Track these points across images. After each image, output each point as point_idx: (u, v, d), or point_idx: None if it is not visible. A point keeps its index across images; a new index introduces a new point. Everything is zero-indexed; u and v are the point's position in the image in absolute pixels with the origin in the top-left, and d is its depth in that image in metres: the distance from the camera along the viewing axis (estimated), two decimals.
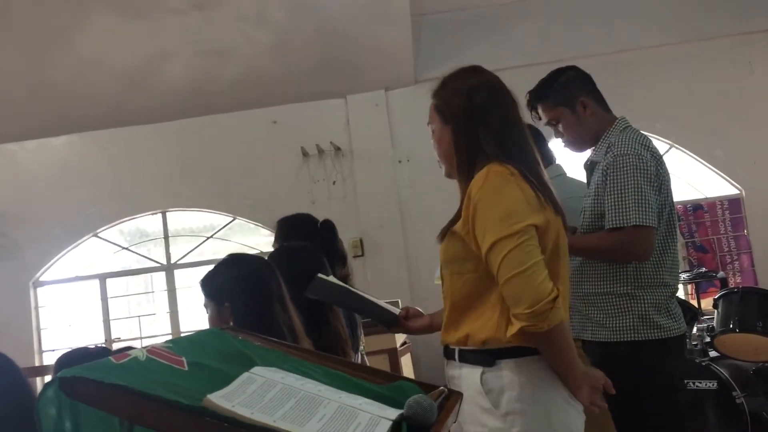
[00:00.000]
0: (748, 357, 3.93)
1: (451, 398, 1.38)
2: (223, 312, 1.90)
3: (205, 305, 1.95)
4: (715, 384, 3.82)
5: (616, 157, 2.15)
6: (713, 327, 4.04)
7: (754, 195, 5.90)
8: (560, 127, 2.34)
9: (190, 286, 6.37)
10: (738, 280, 5.85)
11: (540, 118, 2.37)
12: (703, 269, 5.42)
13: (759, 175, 5.87)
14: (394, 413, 1.17)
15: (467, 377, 1.66)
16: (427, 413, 1.18)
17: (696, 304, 4.99)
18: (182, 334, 6.08)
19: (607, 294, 2.17)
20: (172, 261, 6.40)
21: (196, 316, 6.29)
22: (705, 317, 4.54)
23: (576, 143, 2.36)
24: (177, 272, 6.36)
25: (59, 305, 6.37)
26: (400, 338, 4.63)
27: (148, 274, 6.68)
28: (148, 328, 6.63)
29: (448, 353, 1.74)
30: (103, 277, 6.35)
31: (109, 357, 1.14)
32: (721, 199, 6.00)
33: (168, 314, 6.31)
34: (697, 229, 5.98)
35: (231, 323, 1.89)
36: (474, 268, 1.64)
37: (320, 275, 1.92)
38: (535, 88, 2.35)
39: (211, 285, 1.95)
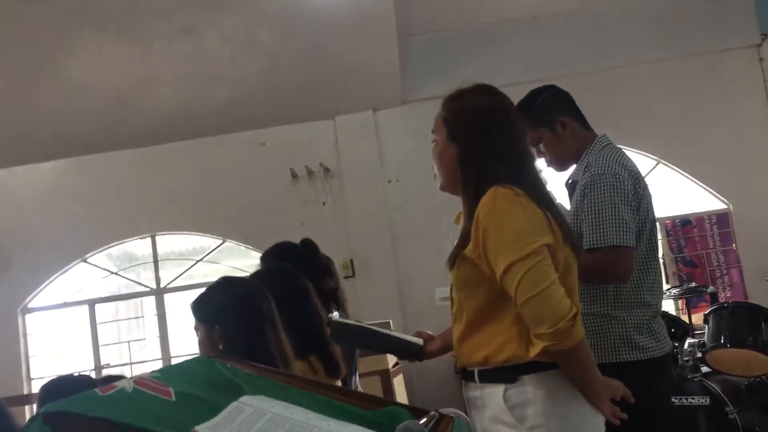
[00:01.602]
0: (739, 372, 3.93)
1: (442, 423, 1.37)
2: (214, 335, 1.88)
3: (196, 328, 1.93)
4: (708, 400, 3.82)
5: (593, 177, 2.14)
6: (704, 342, 4.04)
7: (742, 209, 5.94)
8: (541, 147, 2.33)
9: (180, 310, 6.33)
10: (728, 294, 5.87)
11: None
12: (693, 284, 5.44)
13: (746, 189, 5.92)
14: None
15: (490, 396, 1.66)
16: None
17: (687, 320, 5.00)
18: (173, 359, 6.05)
19: (587, 315, 2.12)
20: (162, 285, 6.36)
21: (186, 341, 6.24)
22: (696, 332, 4.55)
23: (558, 162, 2.35)
24: (167, 296, 6.32)
25: (48, 332, 6.31)
26: (391, 359, 4.61)
27: (138, 299, 6.64)
28: (138, 353, 6.58)
29: (467, 375, 1.73)
30: (92, 303, 6.30)
31: (95, 389, 1.13)
32: (709, 214, 6.04)
33: (158, 339, 6.26)
34: (686, 244, 6.01)
35: (221, 346, 1.87)
36: (488, 291, 1.64)
37: (334, 319, 1.92)
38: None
39: (201, 308, 1.93)
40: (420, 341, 1.96)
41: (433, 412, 1.36)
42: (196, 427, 1.01)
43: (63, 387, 2.60)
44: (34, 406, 5.01)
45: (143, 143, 6.11)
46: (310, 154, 6.10)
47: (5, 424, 2.04)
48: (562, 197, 2.51)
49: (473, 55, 6.07)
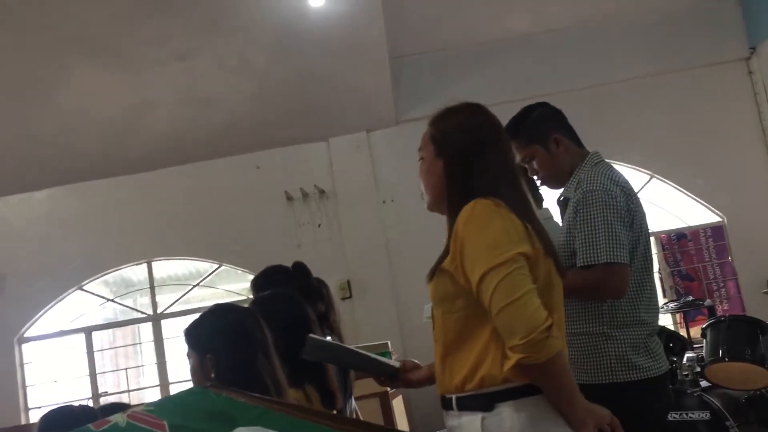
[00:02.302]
0: (739, 385, 3.92)
1: None
2: (206, 363, 1.86)
3: (188, 355, 1.91)
4: (708, 414, 3.79)
5: (585, 194, 2.12)
6: (703, 357, 4.03)
7: (736, 221, 5.96)
8: (534, 164, 2.32)
9: (178, 335, 6.29)
10: (725, 307, 5.87)
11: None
12: (690, 298, 5.45)
13: (740, 201, 5.94)
14: None
15: (467, 425, 1.60)
16: None
17: (685, 334, 5.00)
18: (171, 385, 6.01)
19: (582, 334, 2.11)
20: (159, 311, 6.34)
21: (184, 367, 6.20)
22: (695, 346, 4.54)
23: (551, 180, 2.33)
24: (164, 322, 6.30)
25: (45, 361, 6.28)
26: None
27: (135, 325, 6.62)
28: (136, 380, 6.54)
29: (446, 403, 1.67)
30: (88, 331, 6.27)
31: (89, 425, 1.12)
32: (704, 227, 6.05)
33: (156, 365, 6.22)
34: (682, 258, 6.02)
35: (213, 375, 1.86)
36: (465, 305, 1.60)
37: (312, 336, 1.90)
38: (507, 126, 2.31)
39: (194, 335, 1.91)
40: (397, 364, 1.91)
41: None
42: None
43: (62, 418, 2.58)
44: None
45: (138, 169, 6.12)
46: (304, 176, 6.11)
47: None
48: (555, 214, 2.51)
49: (465, 74, 6.11)
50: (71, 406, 2.92)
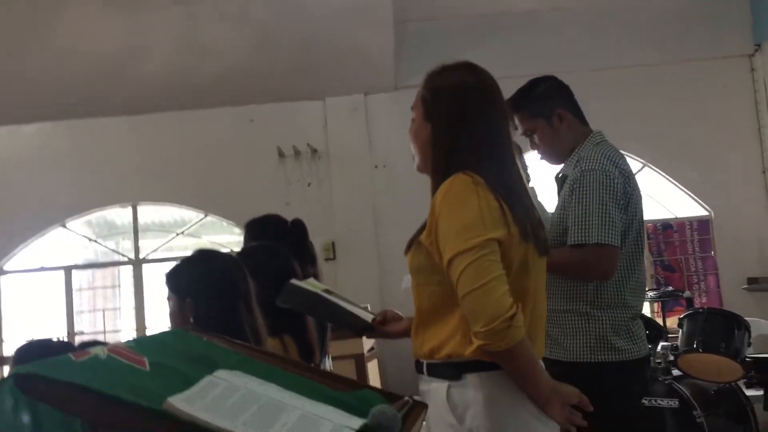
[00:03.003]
0: (710, 377, 3.96)
1: (416, 409, 1.37)
2: (185, 307, 1.85)
3: (168, 298, 1.91)
4: (677, 402, 3.85)
5: (583, 173, 2.10)
6: (677, 346, 4.08)
7: (723, 217, 5.99)
8: (536, 138, 2.30)
9: (158, 281, 6.28)
10: (703, 301, 5.93)
11: (516, 128, 2.32)
12: (670, 288, 5.50)
13: (728, 197, 5.97)
14: (357, 422, 1.15)
15: (435, 392, 1.60)
16: (391, 423, 1.17)
17: (661, 323, 5.05)
18: (147, 330, 6.02)
19: (566, 312, 2.12)
20: (141, 255, 6.31)
21: (162, 313, 6.20)
22: (670, 336, 4.59)
23: (551, 155, 2.31)
24: (145, 267, 6.28)
25: (22, 295, 6.25)
26: (367, 344, 4.61)
27: (115, 268, 6.59)
28: (112, 322, 6.54)
29: (419, 366, 1.67)
30: (68, 269, 6.24)
31: (69, 354, 1.11)
32: (691, 220, 6.09)
33: (134, 309, 6.22)
34: (666, 249, 6.06)
35: (191, 319, 1.85)
36: (439, 281, 1.58)
37: (293, 281, 1.88)
38: (512, 98, 2.26)
39: (175, 279, 1.91)
40: (369, 318, 1.90)
41: (407, 398, 1.36)
42: (169, 399, 1.00)
43: (39, 351, 2.57)
44: (6, 368, 4.98)
45: (130, 111, 6.04)
46: (298, 134, 6.06)
47: None
48: (550, 190, 2.50)
49: (468, 44, 6.04)
50: (50, 339, 2.91)
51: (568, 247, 2.06)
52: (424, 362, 1.65)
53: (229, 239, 6.28)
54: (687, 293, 5.35)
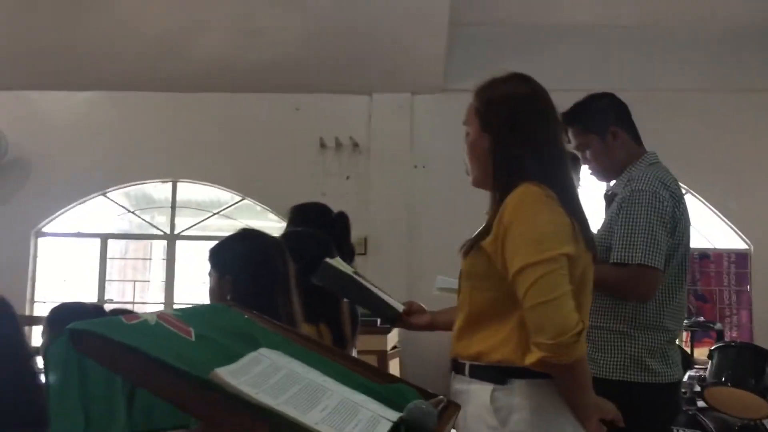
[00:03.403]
0: (735, 412, 3.90)
1: (449, 409, 1.37)
2: (224, 284, 1.87)
3: (209, 274, 1.93)
4: None
5: (633, 192, 2.10)
6: (705, 377, 4.01)
7: (763, 252, 5.87)
8: (588, 154, 2.29)
9: (189, 258, 6.38)
10: (734, 335, 5.83)
11: (569, 141, 2.32)
12: (701, 318, 5.40)
13: None
14: (394, 415, 1.16)
15: (476, 393, 1.61)
16: (427, 419, 1.17)
17: (689, 352, 4.97)
18: (175, 305, 6.09)
19: (602, 329, 2.12)
20: (176, 231, 6.39)
21: (191, 289, 6.28)
22: (696, 366, 4.52)
23: (601, 172, 2.31)
24: (178, 243, 6.35)
25: (57, 258, 6.37)
26: (391, 341, 4.62)
27: (148, 242, 6.69)
28: (141, 294, 6.64)
29: (458, 367, 1.69)
30: (104, 237, 6.35)
31: (120, 317, 1.13)
32: (729, 252, 5.98)
33: (163, 283, 6.30)
34: (701, 278, 5.96)
35: (228, 297, 1.87)
36: (496, 287, 1.59)
37: (328, 260, 1.90)
38: (569, 111, 2.27)
39: (216, 255, 1.93)
40: (400, 308, 1.93)
41: (441, 396, 1.36)
42: (216, 370, 1.01)
43: (73, 313, 2.63)
44: (35, 327, 5.07)
45: (179, 89, 6.11)
46: (341, 127, 6.08)
47: (17, 336, 2.07)
48: (597, 207, 2.49)
49: (519, 53, 6.00)
50: (82, 303, 2.97)
51: (611, 264, 2.05)
52: (467, 363, 1.65)
53: (263, 225, 6.32)
54: (718, 325, 5.24)
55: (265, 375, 1.09)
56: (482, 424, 1.59)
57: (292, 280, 1.92)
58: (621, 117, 2.29)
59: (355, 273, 1.98)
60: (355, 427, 1.04)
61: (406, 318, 1.93)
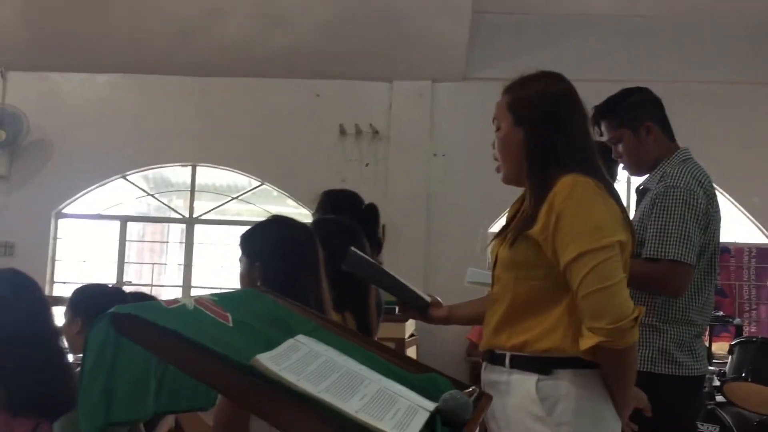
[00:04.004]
0: (754, 408, 3.87)
1: (482, 399, 1.37)
2: (253, 271, 1.87)
3: (240, 260, 1.93)
4: (718, 429, 3.78)
5: (667, 188, 2.12)
6: (725, 372, 3.99)
7: None
8: (620, 148, 2.29)
9: (207, 242, 6.41)
10: (753, 330, 5.79)
11: (602, 135, 2.33)
12: (720, 313, 5.36)
13: None
14: (430, 405, 1.16)
15: (519, 383, 1.62)
16: (462, 410, 1.17)
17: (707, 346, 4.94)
18: (192, 289, 6.13)
19: None
20: (194, 215, 6.42)
21: (208, 273, 6.32)
22: (714, 361, 4.49)
23: (634, 167, 2.32)
24: (197, 227, 6.39)
25: (77, 239, 6.43)
26: (408, 329, 4.62)
27: (166, 225, 6.72)
28: (158, 277, 6.68)
29: (495, 358, 1.69)
30: (124, 219, 6.39)
31: (160, 301, 1.14)
32: (750, 247, 5.93)
33: (181, 267, 6.34)
34: (721, 272, 5.91)
35: (258, 283, 1.87)
36: (544, 276, 1.61)
37: (353, 249, 1.90)
38: (603, 104, 2.29)
39: (247, 242, 1.93)
40: (428, 298, 1.94)
41: (474, 387, 1.36)
42: (258, 356, 1.01)
43: (97, 294, 2.65)
44: (54, 308, 5.11)
45: (200, 73, 6.12)
46: (361, 114, 6.07)
47: (44, 315, 2.09)
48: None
49: (542, 43, 5.95)
50: (105, 285, 2.99)
51: (643, 259, 2.06)
52: (507, 354, 1.66)
53: (281, 210, 6.33)
54: (738, 320, 5.21)
55: (304, 362, 1.10)
56: (527, 415, 1.60)
57: (322, 268, 1.92)
58: (655, 112, 2.29)
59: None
60: (393, 416, 1.04)
61: (427, 311, 1.93)
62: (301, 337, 1.21)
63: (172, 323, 1.05)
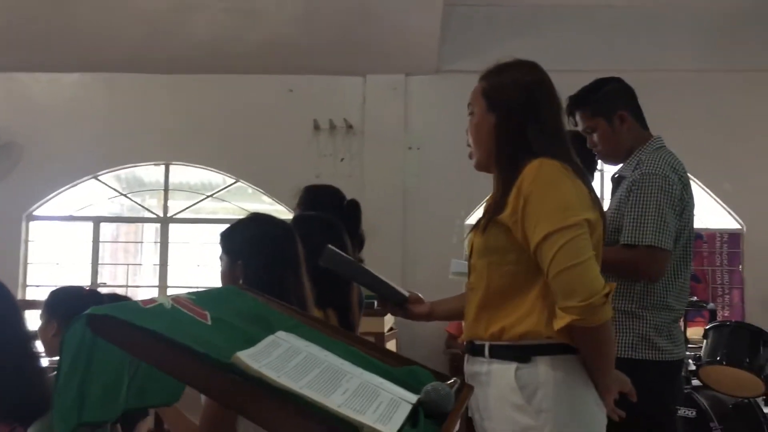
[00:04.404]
0: (729, 391, 3.93)
1: (464, 390, 1.37)
2: (235, 269, 1.87)
3: (221, 258, 1.93)
4: (694, 413, 3.84)
5: (643, 175, 2.15)
6: (700, 356, 4.05)
7: (755, 232, 5.92)
8: (595, 137, 2.33)
9: (182, 241, 6.35)
10: (726, 314, 5.89)
11: (576, 125, 2.36)
12: (694, 298, 5.43)
13: (763, 212, 5.88)
14: (412, 397, 1.16)
15: (498, 373, 1.62)
16: (444, 401, 1.18)
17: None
18: (169, 288, 6.07)
19: (612, 310, 2.17)
20: (169, 214, 6.36)
21: (184, 272, 6.27)
22: (690, 346, 4.56)
23: (608, 156, 2.36)
24: (171, 226, 6.32)
25: (49, 242, 6.33)
26: (388, 323, 4.63)
27: (139, 225, 6.65)
28: (134, 277, 6.61)
29: (475, 349, 1.69)
30: (97, 220, 6.30)
31: (137, 301, 1.13)
32: (722, 232, 6.03)
33: (157, 267, 6.28)
34: (694, 258, 5.98)
35: (241, 281, 1.87)
36: (516, 261, 1.61)
37: (330, 246, 1.90)
38: (577, 94, 2.33)
39: (228, 240, 1.92)
40: (406, 294, 1.94)
41: (455, 378, 1.37)
42: (238, 354, 1.00)
43: (71, 297, 2.62)
44: (27, 312, 5.04)
45: (171, 70, 6.04)
46: (335, 109, 6.05)
47: (14, 317, 2.06)
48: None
49: (514, 34, 5.97)
50: (81, 287, 2.96)
51: (620, 246, 2.09)
52: (486, 344, 1.66)
53: (256, 207, 6.29)
54: (711, 305, 5.29)
55: (285, 358, 1.09)
56: (507, 404, 1.60)
57: (303, 265, 1.92)
58: (628, 101, 2.34)
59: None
60: (376, 410, 1.04)
61: (409, 307, 1.93)
62: (281, 334, 1.20)
63: (149, 323, 1.03)
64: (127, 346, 1.05)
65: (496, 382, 1.62)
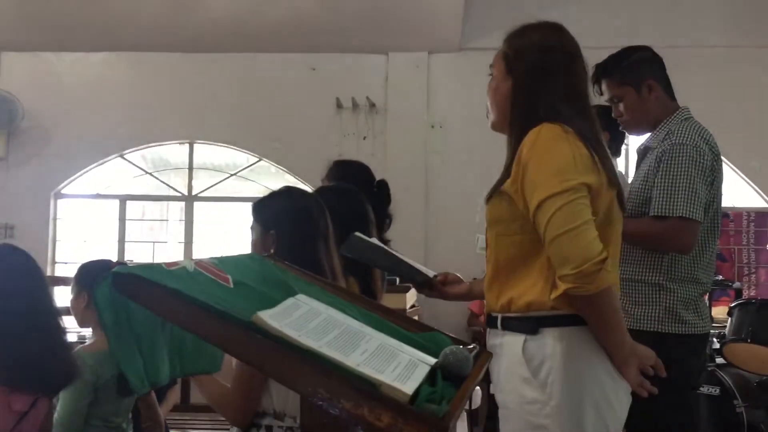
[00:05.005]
0: (754, 369, 3.91)
1: (482, 356, 1.38)
2: (267, 239, 1.89)
3: (252, 228, 1.95)
4: (718, 390, 3.82)
5: (673, 146, 2.12)
6: (724, 335, 4.02)
7: None
8: (621, 107, 2.29)
9: (206, 219, 6.42)
10: (752, 293, 5.81)
11: (602, 94, 2.32)
12: (720, 277, 5.38)
13: None
14: (431, 359, 1.18)
15: (509, 345, 1.61)
16: (462, 364, 1.19)
17: None
18: None
19: (638, 282, 2.14)
20: (193, 193, 6.42)
21: (208, 250, 6.33)
22: (714, 325, 4.52)
23: (634, 126, 2.32)
24: (196, 204, 6.39)
25: (77, 220, 6.43)
26: (410, 300, 4.64)
27: (165, 203, 6.72)
28: (160, 255, 6.69)
29: (491, 321, 1.68)
30: (123, 199, 6.39)
31: (161, 263, 1.15)
32: (749, 211, 5.94)
33: (182, 244, 6.35)
34: (720, 237, 5.92)
35: (272, 251, 1.89)
36: (520, 230, 1.59)
37: (357, 234, 1.92)
38: (604, 62, 2.28)
39: (261, 210, 1.95)
40: (430, 274, 1.93)
41: (474, 344, 1.37)
42: (258, 313, 1.02)
43: (101, 269, 2.66)
44: (55, 288, 5.13)
45: (195, 49, 6.07)
46: (358, 87, 6.04)
47: (42, 292, 2.09)
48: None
49: (538, 11, 5.82)
50: (109, 260, 3.02)
51: (650, 217, 2.07)
52: (499, 316, 1.65)
53: (279, 186, 6.31)
54: (737, 284, 5.24)
55: (305, 319, 1.11)
56: (515, 376, 1.59)
57: (332, 236, 1.94)
58: (657, 70, 2.29)
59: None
60: (394, 369, 1.05)
61: (441, 287, 1.93)
62: (301, 297, 1.22)
63: (173, 283, 1.05)
64: (151, 304, 1.07)
65: (506, 355, 1.61)
